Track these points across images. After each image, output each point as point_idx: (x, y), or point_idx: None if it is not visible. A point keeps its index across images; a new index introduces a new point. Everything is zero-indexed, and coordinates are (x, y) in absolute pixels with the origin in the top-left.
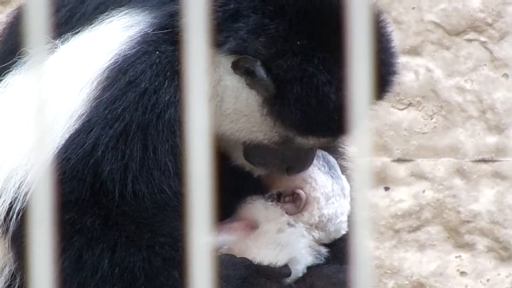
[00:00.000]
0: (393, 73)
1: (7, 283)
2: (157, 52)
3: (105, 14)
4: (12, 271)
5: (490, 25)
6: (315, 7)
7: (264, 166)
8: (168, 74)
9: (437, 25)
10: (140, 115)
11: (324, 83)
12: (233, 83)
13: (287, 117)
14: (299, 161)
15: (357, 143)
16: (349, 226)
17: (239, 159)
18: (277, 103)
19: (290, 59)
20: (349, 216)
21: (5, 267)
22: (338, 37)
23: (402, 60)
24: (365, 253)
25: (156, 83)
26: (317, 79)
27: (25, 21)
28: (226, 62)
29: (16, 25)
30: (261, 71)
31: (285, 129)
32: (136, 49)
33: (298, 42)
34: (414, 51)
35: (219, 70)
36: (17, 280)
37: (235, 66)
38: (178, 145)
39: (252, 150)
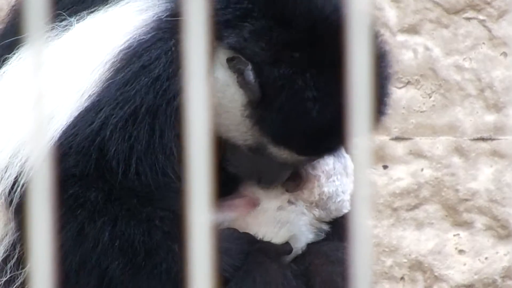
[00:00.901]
0: (388, 96)
1: (7, 253)
2: (172, 40)
3: None
4: (12, 241)
5: (488, 3)
6: (321, 24)
7: (237, 170)
8: (182, 62)
9: (436, 3)
10: (151, 100)
11: (309, 99)
12: (225, 77)
13: (265, 123)
14: (270, 175)
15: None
16: (351, 205)
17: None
18: (259, 107)
19: (283, 68)
20: (351, 195)
21: (5, 236)
22: (337, 59)
23: (400, 38)
24: (365, 231)
25: (170, 70)
26: (303, 94)
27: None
28: (223, 56)
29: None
30: (250, 75)
31: (260, 135)
32: (151, 35)
33: (296, 54)
34: (412, 30)
35: (215, 62)
36: (17, 250)
37: (229, 63)
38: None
39: (229, 149)
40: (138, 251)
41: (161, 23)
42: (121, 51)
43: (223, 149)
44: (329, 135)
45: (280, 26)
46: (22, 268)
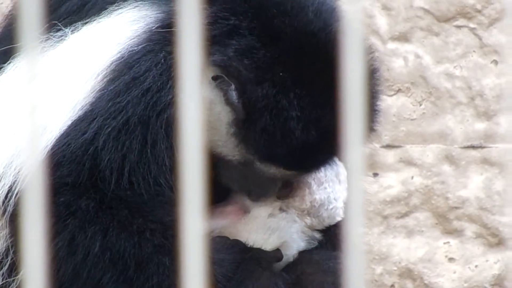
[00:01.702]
0: (378, 112)
1: None
2: (163, 52)
3: (115, 5)
4: (5, 249)
5: (479, 11)
6: (309, 44)
7: (230, 182)
8: (171, 74)
9: (427, 11)
10: (142, 111)
11: (293, 118)
12: (210, 95)
13: (250, 142)
14: (260, 188)
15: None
16: (345, 212)
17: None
18: (244, 126)
19: (267, 88)
20: (345, 203)
21: None
22: (323, 80)
23: (391, 46)
24: (359, 240)
25: (160, 82)
26: (287, 113)
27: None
28: (209, 73)
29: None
30: (233, 95)
31: (247, 152)
32: (142, 46)
33: (281, 74)
34: (403, 38)
35: (203, 78)
36: (9, 257)
37: (214, 81)
38: (177, 143)
39: (220, 162)
40: (129, 264)
41: (152, 35)
42: (112, 62)
43: (215, 160)
44: (314, 153)
45: (266, 44)
46: (15, 275)
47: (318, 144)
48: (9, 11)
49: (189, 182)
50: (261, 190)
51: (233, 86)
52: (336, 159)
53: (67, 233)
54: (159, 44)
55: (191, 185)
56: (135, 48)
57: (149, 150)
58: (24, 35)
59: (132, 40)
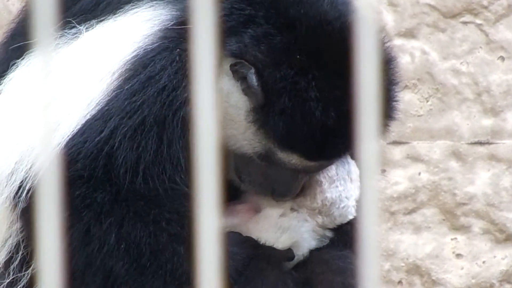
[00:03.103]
0: (396, 100)
1: (10, 255)
2: (178, 50)
3: (130, 4)
4: (15, 244)
5: (485, 7)
6: (324, 29)
7: (250, 183)
8: (187, 72)
9: (433, 7)
10: (158, 110)
11: (312, 99)
12: (228, 86)
13: (270, 127)
14: (283, 184)
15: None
16: (357, 211)
17: (230, 172)
18: (263, 112)
19: (284, 70)
20: (357, 201)
21: (8, 238)
22: (339, 62)
23: (397, 42)
24: (373, 239)
25: (175, 80)
26: (306, 94)
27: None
28: (226, 64)
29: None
30: (253, 78)
31: (267, 140)
32: (157, 44)
33: (298, 57)
34: (409, 34)
35: (219, 71)
36: (20, 252)
37: (232, 70)
38: (192, 142)
39: (240, 163)
40: (144, 252)
41: (167, 32)
42: (128, 60)
43: (236, 164)
44: (334, 137)
45: (282, 31)
46: (26, 270)
47: (337, 127)
48: (23, 6)
49: (204, 180)
50: (284, 188)
51: (252, 70)
52: (348, 156)
53: (82, 225)
54: (174, 41)
55: (206, 183)
56: (150, 46)
57: (165, 150)
58: (38, 31)
59: (147, 39)
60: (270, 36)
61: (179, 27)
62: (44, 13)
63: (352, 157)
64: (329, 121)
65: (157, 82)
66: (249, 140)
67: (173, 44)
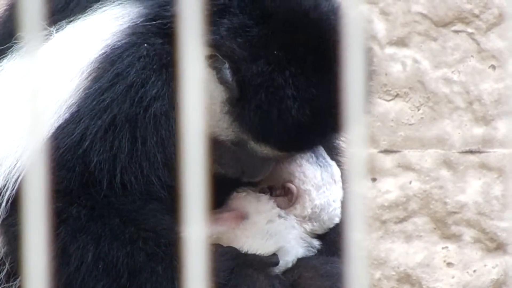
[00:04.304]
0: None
1: None
2: (145, 45)
3: (99, 3)
4: (1, 256)
5: (477, 16)
6: (301, 23)
7: (221, 165)
8: (155, 67)
9: (424, 16)
10: (128, 107)
11: (289, 97)
12: (204, 74)
13: (245, 121)
14: (253, 168)
15: (351, 134)
16: (342, 215)
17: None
18: (238, 105)
19: (261, 65)
20: (342, 202)
21: None
22: (318, 58)
23: (389, 51)
24: (359, 246)
25: (143, 76)
26: (283, 92)
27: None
28: (202, 53)
29: (15, 8)
30: (227, 74)
31: (241, 131)
32: (124, 41)
33: (275, 52)
34: (401, 42)
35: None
36: (6, 266)
37: (208, 60)
38: (166, 137)
39: (212, 146)
40: (122, 273)
41: (135, 29)
42: (96, 59)
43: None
44: (309, 132)
45: (258, 23)
46: (14, 281)
47: (312, 124)
48: (5, 8)
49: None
50: (254, 171)
51: (226, 65)
52: (329, 158)
53: (60, 241)
54: (141, 37)
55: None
56: (118, 43)
57: (139, 148)
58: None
59: (115, 36)
60: (247, 28)
61: (148, 23)
62: (29, 14)
63: (332, 158)
64: (304, 118)
65: (124, 78)
66: (222, 128)
67: (141, 40)
